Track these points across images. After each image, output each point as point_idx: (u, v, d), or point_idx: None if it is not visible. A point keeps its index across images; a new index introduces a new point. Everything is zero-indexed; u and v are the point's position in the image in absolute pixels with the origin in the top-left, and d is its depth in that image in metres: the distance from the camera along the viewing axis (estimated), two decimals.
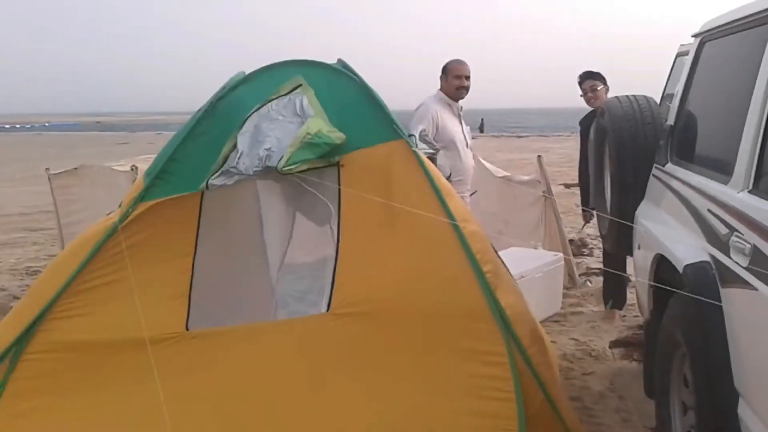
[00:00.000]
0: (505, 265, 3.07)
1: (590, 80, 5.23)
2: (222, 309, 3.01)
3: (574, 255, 6.72)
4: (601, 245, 7.44)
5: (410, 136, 2.90)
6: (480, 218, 4.00)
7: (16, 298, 6.24)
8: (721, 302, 2.22)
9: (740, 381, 2.13)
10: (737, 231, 2.17)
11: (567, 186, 6.98)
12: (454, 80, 4.82)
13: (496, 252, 2.94)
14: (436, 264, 2.65)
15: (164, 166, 2.75)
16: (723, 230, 2.29)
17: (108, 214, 2.87)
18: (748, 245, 2.07)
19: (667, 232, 2.88)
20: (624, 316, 5.25)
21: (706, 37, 3.25)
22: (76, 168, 6.06)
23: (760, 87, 2.30)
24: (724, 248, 2.25)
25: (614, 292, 5.29)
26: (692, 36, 3.48)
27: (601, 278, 6.02)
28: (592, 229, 8.36)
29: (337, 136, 2.71)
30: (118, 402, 2.60)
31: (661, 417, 2.95)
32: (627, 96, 3.90)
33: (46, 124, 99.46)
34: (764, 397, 1.97)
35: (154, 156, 3.02)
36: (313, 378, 2.58)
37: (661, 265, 2.90)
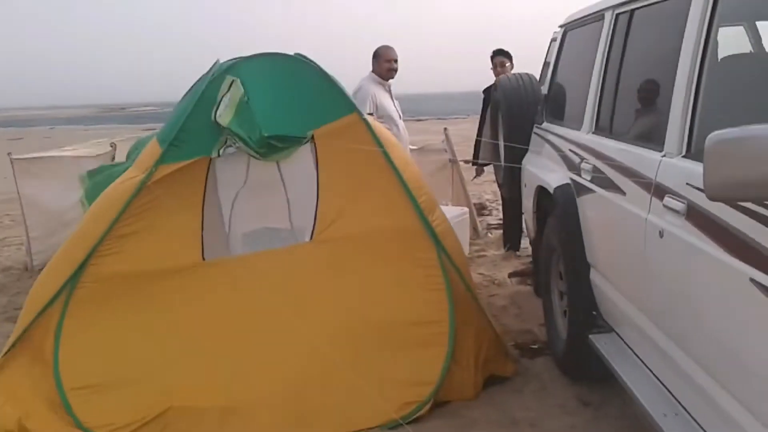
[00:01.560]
0: None
1: (500, 57, 6.33)
2: (219, 245, 3.88)
3: (477, 215, 7.89)
4: (498, 207, 8.69)
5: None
6: None
7: None
8: (577, 207, 3.37)
9: (589, 255, 3.28)
10: (585, 159, 3.31)
11: (466, 162, 7.91)
12: (385, 63, 5.68)
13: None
14: (387, 201, 3.65)
15: (177, 135, 3.58)
16: (577, 160, 3.43)
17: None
18: (590, 165, 3.21)
19: (544, 170, 4.03)
20: (519, 256, 6.44)
21: (568, 27, 4.39)
22: (39, 157, 6.56)
23: (597, 63, 3.44)
24: (578, 171, 3.39)
25: (511, 237, 6.50)
26: (559, 26, 4.64)
27: (498, 231, 7.24)
28: (489, 195, 9.66)
29: None
30: (198, 312, 3.48)
31: (546, 308, 4.11)
32: (515, 74, 5.06)
33: None
34: (600, 259, 3.14)
35: (103, 141, 3.66)
36: (305, 286, 3.55)
37: (540, 194, 4.05)
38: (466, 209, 6.69)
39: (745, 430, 1.87)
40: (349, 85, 5.96)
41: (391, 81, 5.90)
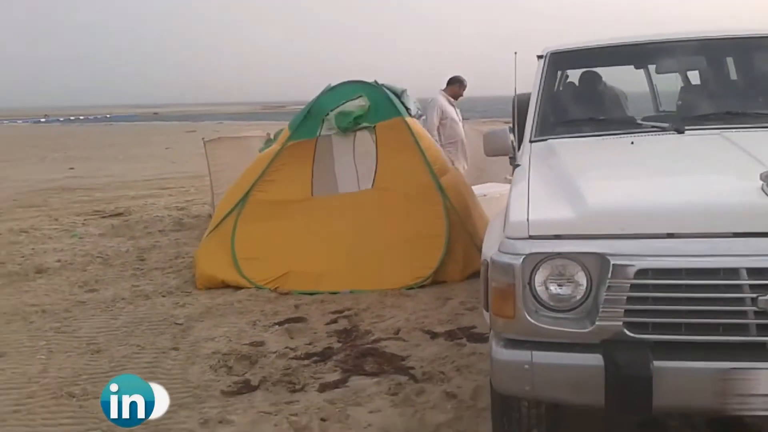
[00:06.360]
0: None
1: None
2: (325, 188, 6.72)
3: None
4: None
5: (408, 110, 6.62)
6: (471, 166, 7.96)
7: (180, 220, 10.10)
8: None
9: None
10: None
11: None
12: (462, 90, 8.56)
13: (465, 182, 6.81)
14: (415, 167, 6.34)
15: (299, 125, 6.52)
16: None
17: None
18: None
19: None
20: None
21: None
22: (219, 138, 9.89)
23: None
24: None
25: None
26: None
27: None
28: None
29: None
30: (308, 222, 6.35)
31: None
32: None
33: (108, 116, 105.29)
34: None
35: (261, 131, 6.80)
36: (365, 211, 6.29)
37: None
38: None
39: None
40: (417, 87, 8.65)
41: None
